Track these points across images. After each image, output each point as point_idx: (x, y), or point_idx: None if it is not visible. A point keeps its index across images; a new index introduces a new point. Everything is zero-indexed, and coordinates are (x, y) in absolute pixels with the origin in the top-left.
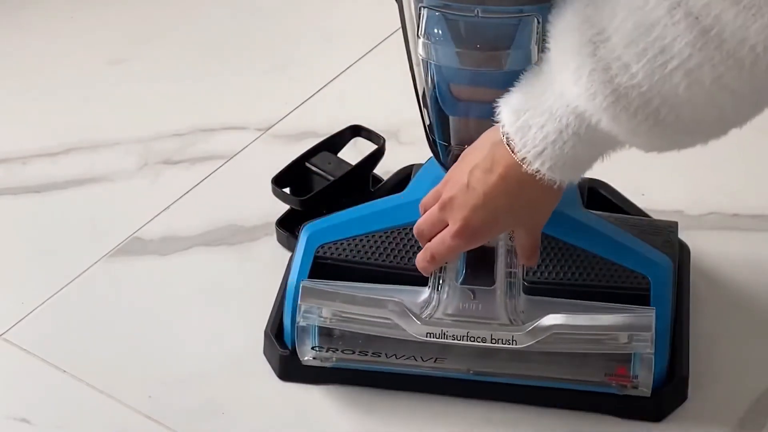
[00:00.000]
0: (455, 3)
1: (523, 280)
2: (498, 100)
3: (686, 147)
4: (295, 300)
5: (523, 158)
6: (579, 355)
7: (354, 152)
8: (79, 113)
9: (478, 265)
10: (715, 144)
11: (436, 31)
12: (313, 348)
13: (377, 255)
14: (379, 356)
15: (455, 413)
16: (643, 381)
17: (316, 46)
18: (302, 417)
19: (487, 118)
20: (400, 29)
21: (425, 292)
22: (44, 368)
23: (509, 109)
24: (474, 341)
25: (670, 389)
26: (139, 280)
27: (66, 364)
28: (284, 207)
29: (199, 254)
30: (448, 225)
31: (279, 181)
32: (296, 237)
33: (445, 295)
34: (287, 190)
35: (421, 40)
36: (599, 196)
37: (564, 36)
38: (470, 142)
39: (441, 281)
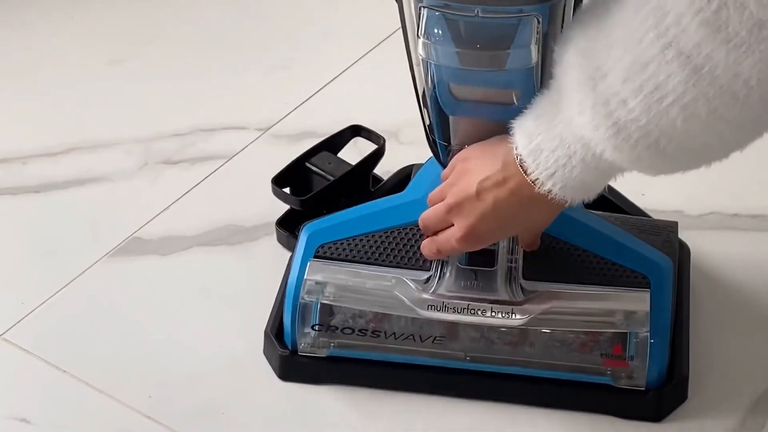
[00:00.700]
0: (455, 3)
1: (523, 277)
2: (512, 122)
3: (691, 169)
4: (295, 299)
5: (536, 179)
6: (576, 340)
7: (354, 152)
8: (79, 113)
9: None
10: None
11: (436, 31)
12: (313, 327)
13: (377, 255)
14: (378, 336)
15: (454, 413)
16: (639, 365)
17: (316, 46)
18: (302, 417)
19: (487, 118)
20: (400, 29)
21: (428, 273)
22: (44, 368)
23: (522, 131)
24: (474, 314)
25: (670, 389)
26: (139, 280)
27: (66, 364)
28: (284, 207)
29: (199, 254)
30: (453, 225)
31: (279, 181)
32: (296, 237)
33: (447, 275)
34: (287, 190)
35: (421, 40)
36: (599, 196)
37: (567, 70)
38: (470, 142)
39: (443, 262)
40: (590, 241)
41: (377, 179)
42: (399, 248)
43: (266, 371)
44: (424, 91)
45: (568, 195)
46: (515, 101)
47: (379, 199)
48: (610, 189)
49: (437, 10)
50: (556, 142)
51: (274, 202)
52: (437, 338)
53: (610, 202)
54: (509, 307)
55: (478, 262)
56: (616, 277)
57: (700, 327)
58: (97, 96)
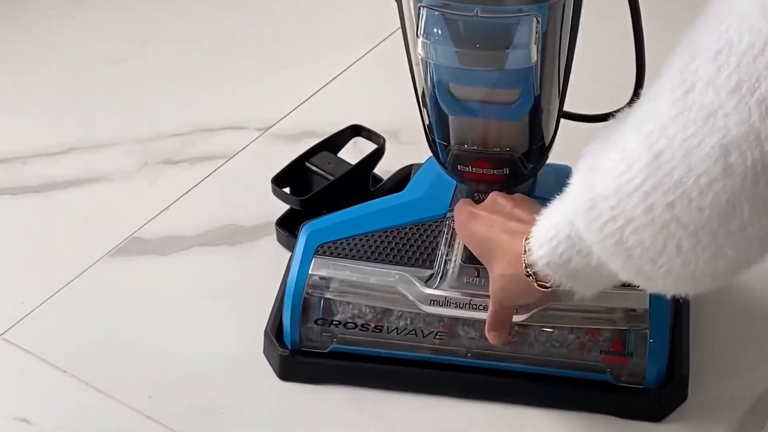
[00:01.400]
0: (455, 2)
1: None
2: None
3: (661, 289)
4: (296, 297)
5: (528, 249)
6: (575, 338)
7: (354, 152)
8: (79, 113)
9: None
10: None
11: (435, 30)
12: (316, 322)
13: (377, 254)
14: (381, 331)
15: (454, 413)
16: (639, 362)
17: (316, 45)
18: (302, 417)
19: (487, 118)
20: (400, 29)
21: (430, 271)
22: (44, 368)
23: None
24: (476, 310)
25: (670, 389)
26: (139, 280)
27: (66, 364)
28: (284, 207)
29: (199, 254)
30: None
31: (279, 181)
32: (296, 237)
33: (450, 272)
34: (287, 190)
35: (420, 40)
36: None
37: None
38: (470, 142)
39: (447, 261)
40: None
41: (377, 179)
42: (398, 248)
43: (266, 371)
44: (423, 91)
45: (553, 274)
46: (515, 101)
47: (379, 199)
48: None
49: (437, 10)
50: (552, 221)
51: (274, 202)
52: (439, 333)
53: None
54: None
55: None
56: None
57: (700, 327)
58: (97, 96)
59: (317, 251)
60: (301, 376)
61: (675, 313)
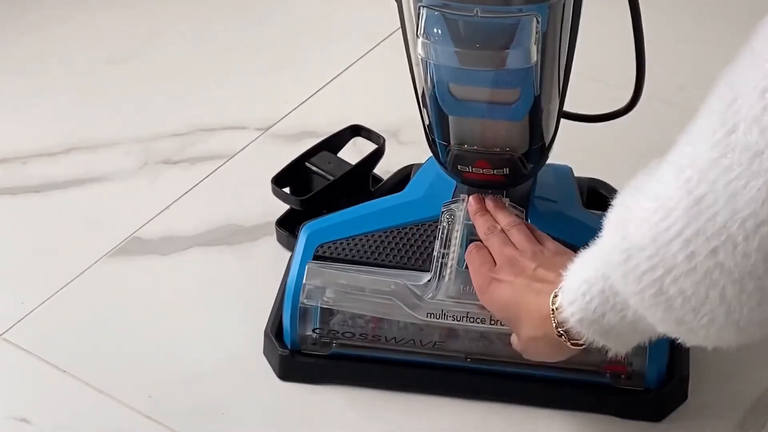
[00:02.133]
0: (454, 2)
1: None
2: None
3: (702, 341)
4: (295, 298)
5: (558, 306)
6: None
7: (354, 152)
8: (79, 113)
9: None
10: None
11: (435, 30)
12: (314, 330)
13: (377, 255)
14: (379, 340)
15: (454, 413)
16: (638, 368)
17: (316, 45)
18: (302, 417)
19: (487, 118)
20: (400, 29)
21: (428, 276)
22: (44, 368)
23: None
24: (473, 322)
25: (670, 389)
26: (139, 279)
27: (66, 364)
28: (284, 207)
29: (199, 254)
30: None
31: (279, 181)
32: (296, 237)
33: (447, 279)
34: (287, 190)
35: (420, 40)
36: (599, 196)
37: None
38: (470, 142)
39: (443, 266)
40: (590, 241)
41: (377, 179)
42: (398, 248)
43: (266, 371)
44: (423, 91)
45: (586, 331)
46: (515, 101)
47: (378, 199)
48: (610, 189)
49: (437, 10)
50: (584, 275)
51: (274, 202)
52: (437, 343)
53: (610, 202)
54: None
55: None
56: None
57: None
58: (97, 96)
59: (317, 251)
60: (301, 376)
61: None
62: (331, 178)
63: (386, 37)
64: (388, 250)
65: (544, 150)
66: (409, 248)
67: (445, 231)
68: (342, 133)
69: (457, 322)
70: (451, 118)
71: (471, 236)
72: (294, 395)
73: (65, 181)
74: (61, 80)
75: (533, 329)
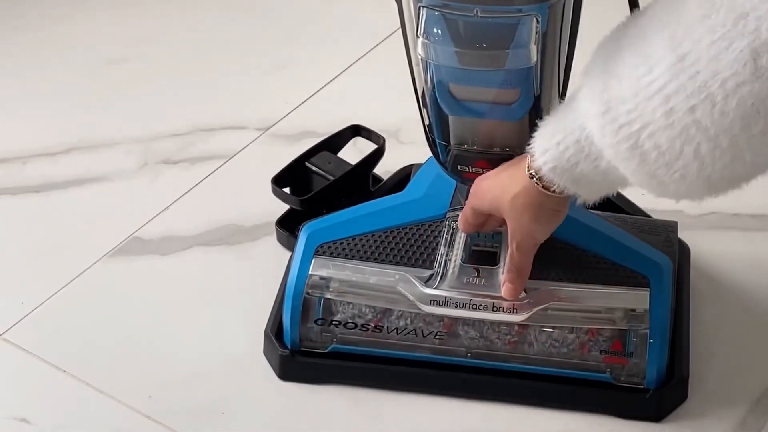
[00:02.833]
0: (454, 2)
1: None
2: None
3: (672, 194)
4: (296, 297)
5: (532, 156)
6: (575, 337)
7: (354, 152)
8: (79, 113)
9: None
10: None
11: (435, 30)
12: (316, 322)
13: (377, 255)
14: (381, 331)
15: (455, 413)
16: (639, 362)
17: (316, 46)
18: (302, 417)
19: (487, 118)
20: (400, 29)
21: (429, 271)
22: (44, 368)
23: (538, 134)
24: (476, 310)
25: (670, 389)
26: (139, 279)
27: (66, 364)
28: (284, 207)
29: (199, 254)
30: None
31: (279, 181)
32: (296, 237)
33: (450, 272)
34: (287, 190)
35: (420, 40)
36: None
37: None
38: (470, 142)
39: (447, 262)
40: (590, 241)
41: (377, 179)
42: (398, 248)
43: (266, 371)
44: (423, 91)
45: (558, 179)
46: (515, 101)
47: (379, 199)
48: None
49: (437, 10)
50: (559, 125)
51: (274, 202)
52: (439, 333)
53: (610, 201)
54: (511, 302)
55: (480, 261)
56: (616, 277)
57: (700, 327)
58: (97, 96)
59: (317, 251)
60: (301, 376)
61: (675, 313)
62: (331, 178)
63: (386, 37)
64: (389, 250)
65: None
66: (410, 248)
67: (451, 233)
68: (342, 133)
69: (460, 310)
70: (451, 118)
71: (475, 240)
72: (294, 395)
73: (65, 181)
74: (61, 80)
75: (513, 190)
